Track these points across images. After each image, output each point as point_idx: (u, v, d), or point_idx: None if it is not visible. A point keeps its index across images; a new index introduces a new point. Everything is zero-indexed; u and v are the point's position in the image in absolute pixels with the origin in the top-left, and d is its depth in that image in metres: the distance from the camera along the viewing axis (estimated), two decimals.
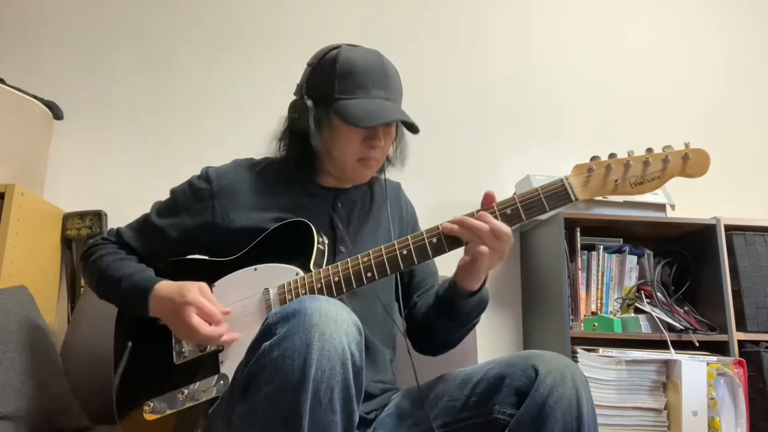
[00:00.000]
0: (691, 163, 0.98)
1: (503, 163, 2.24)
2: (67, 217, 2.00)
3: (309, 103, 1.15)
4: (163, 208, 1.23)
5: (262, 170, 1.25)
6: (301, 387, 0.77)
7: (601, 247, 1.92)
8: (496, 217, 1.01)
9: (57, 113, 2.03)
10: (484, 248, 0.99)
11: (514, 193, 1.05)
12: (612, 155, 1.01)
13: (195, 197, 1.20)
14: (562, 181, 1.01)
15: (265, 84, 2.22)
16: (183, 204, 1.21)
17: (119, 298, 1.16)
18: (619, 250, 1.94)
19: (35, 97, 1.94)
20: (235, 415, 0.85)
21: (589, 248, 1.92)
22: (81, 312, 1.71)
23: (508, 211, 1.02)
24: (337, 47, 1.16)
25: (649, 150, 0.99)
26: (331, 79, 1.13)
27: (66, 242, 1.99)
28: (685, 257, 1.93)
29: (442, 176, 2.19)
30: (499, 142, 2.27)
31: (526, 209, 1.01)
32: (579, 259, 1.88)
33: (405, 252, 1.03)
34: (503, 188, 2.20)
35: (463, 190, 2.20)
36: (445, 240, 1.03)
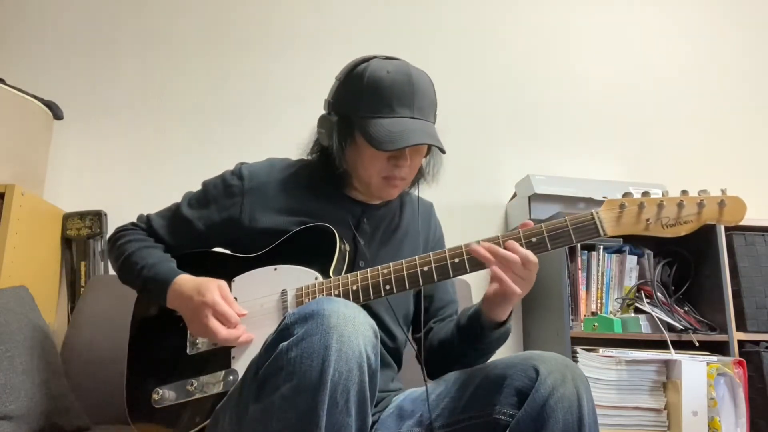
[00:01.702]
0: (727, 210, 0.97)
1: (503, 163, 2.24)
2: (67, 217, 2.00)
3: (334, 119, 1.15)
4: (193, 200, 1.24)
5: (295, 174, 1.25)
6: (319, 388, 0.77)
7: (601, 247, 1.91)
8: (522, 245, 1.00)
9: (57, 113, 2.03)
10: (514, 278, 0.98)
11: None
12: (645, 193, 0.99)
13: (225, 192, 1.21)
14: (592, 215, 1.00)
15: (266, 85, 2.21)
16: (213, 197, 1.22)
17: (139, 286, 1.17)
18: (619, 250, 1.94)
19: (35, 97, 1.95)
20: (249, 413, 0.85)
21: (589, 248, 1.91)
22: (81, 312, 1.71)
23: (534, 239, 1.00)
24: (367, 60, 1.14)
25: (684, 192, 0.98)
26: (357, 97, 1.11)
27: (66, 242, 1.99)
28: (685, 257, 1.93)
29: (442, 176, 2.18)
30: (499, 142, 2.27)
31: (552, 239, 0.99)
32: (579, 259, 1.88)
33: (426, 269, 1.03)
34: (503, 188, 2.20)
35: (463, 190, 2.20)
36: (468, 261, 1.02)
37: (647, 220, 0.98)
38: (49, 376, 1.42)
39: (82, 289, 1.92)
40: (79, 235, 1.98)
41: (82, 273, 1.96)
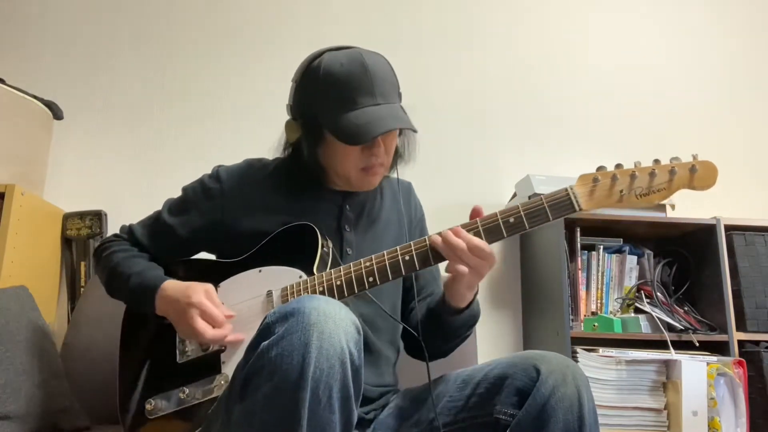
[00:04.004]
0: (698, 175, 0.96)
1: (503, 163, 2.24)
2: (67, 217, 2.00)
3: (300, 123, 1.15)
4: (174, 206, 1.24)
5: (272, 172, 1.25)
6: (300, 386, 0.77)
7: (601, 247, 1.92)
8: (479, 234, 1.00)
9: (57, 113, 2.03)
10: (463, 267, 0.99)
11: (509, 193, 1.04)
12: (618, 165, 1.00)
13: (205, 196, 1.21)
14: (566, 190, 1.00)
15: (265, 84, 2.22)
16: (193, 202, 1.22)
17: (127, 296, 1.17)
18: (619, 250, 1.94)
19: (35, 97, 1.94)
20: (234, 414, 0.85)
21: (589, 248, 1.92)
22: (81, 312, 1.71)
23: (512, 219, 1.00)
24: (318, 57, 1.13)
25: (656, 161, 0.98)
26: (317, 97, 1.11)
27: (66, 242, 1.99)
28: (685, 257, 1.93)
29: (442, 176, 2.18)
30: (499, 142, 2.27)
31: (529, 218, 0.99)
32: (579, 259, 1.88)
33: (407, 258, 1.03)
34: (503, 188, 2.20)
35: (463, 191, 2.20)
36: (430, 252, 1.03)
37: (621, 191, 0.98)
38: (49, 376, 1.42)
39: (82, 289, 1.92)
40: (79, 235, 1.98)
41: (82, 273, 1.95)
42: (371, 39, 2.33)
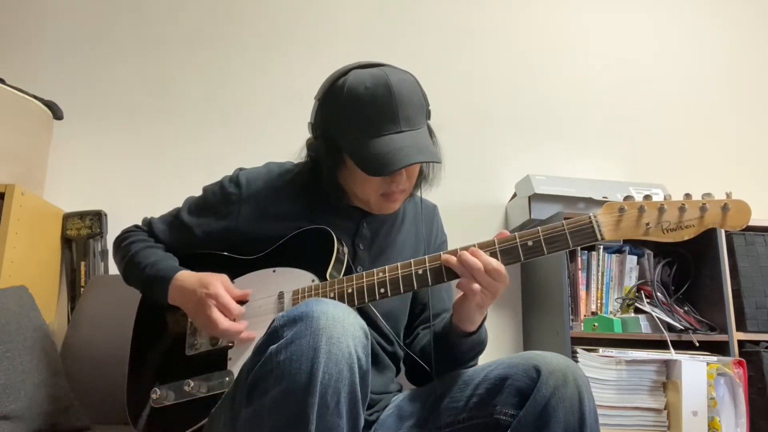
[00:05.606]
0: (730, 214, 0.93)
1: (503, 163, 2.24)
2: (67, 217, 2.00)
3: (321, 144, 1.13)
4: (193, 206, 1.25)
5: (293, 180, 1.23)
6: (309, 391, 0.77)
7: (601, 247, 1.91)
8: (495, 255, 0.99)
9: (57, 113, 2.03)
10: (476, 286, 0.97)
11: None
12: (647, 197, 0.96)
13: (223, 200, 1.21)
14: (589, 218, 0.97)
15: (266, 84, 2.21)
16: (211, 205, 1.22)
17: (142, 285, 1.19)
18: (619, 250, 1.94)
19: (35, 97, 1.94)
20: (241, 417, 0.85)
21: (589, 248, 1.91)
22: (81, 312, 1.71)
23: (530, 243, 0.98)
24: (343, 75, 1.09)
25: (687, 195, 0.95)
26: (339, 119, 1.08)
27: (66, 242, 1.99)
28: (685, 257, 1.93)
29: (442, 176, 2.18)
30: (499, 142, 2.26)
31: (548, 243, 0.98)
32: (579, 259, 1.88)
33: (420, 272, 1.03)
34: (503, 188, 2.20)
35: (463, 190, 2.20)
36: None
37: (647, 224, 0.95)
38: (49, 376, 1.42)
39: (82, 289, 1.92)
40: (79, 235, 1.98)
41: (82, 273, 1.95)
42: (371, 39, 2.35)
